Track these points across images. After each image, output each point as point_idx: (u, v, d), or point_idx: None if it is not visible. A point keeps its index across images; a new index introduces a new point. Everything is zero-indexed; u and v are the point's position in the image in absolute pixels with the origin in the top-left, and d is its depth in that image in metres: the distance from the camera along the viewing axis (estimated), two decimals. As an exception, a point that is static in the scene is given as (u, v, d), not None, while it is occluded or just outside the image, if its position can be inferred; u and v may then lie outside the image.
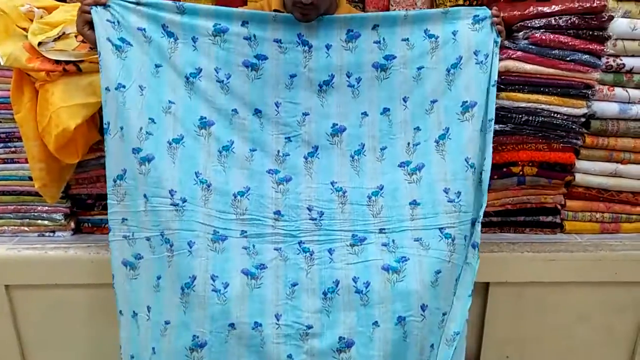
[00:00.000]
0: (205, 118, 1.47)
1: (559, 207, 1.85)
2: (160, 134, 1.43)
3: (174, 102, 1.45)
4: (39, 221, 1.83)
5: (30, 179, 1.69)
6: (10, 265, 1.73)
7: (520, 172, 1.76)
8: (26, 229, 1.84)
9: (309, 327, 1.40)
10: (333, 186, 1.50)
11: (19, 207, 1.82)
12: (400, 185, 1.49)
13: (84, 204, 1.84)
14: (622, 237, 1.83)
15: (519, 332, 1.85)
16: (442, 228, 1.44)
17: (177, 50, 1.45)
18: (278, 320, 1.39)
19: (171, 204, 1.40)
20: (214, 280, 1.38)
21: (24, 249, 1.75)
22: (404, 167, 1.50)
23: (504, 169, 1.77)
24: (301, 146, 1.51)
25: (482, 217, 1.46)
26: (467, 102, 1.48)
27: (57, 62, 1.53)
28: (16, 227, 1.84)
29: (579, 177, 1.81)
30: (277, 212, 1.47)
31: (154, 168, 1.41)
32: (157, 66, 1.44)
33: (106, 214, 1.77)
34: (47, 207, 1.81)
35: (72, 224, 1.85)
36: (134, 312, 1.47)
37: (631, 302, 1.81)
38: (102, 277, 1.71)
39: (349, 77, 1.50)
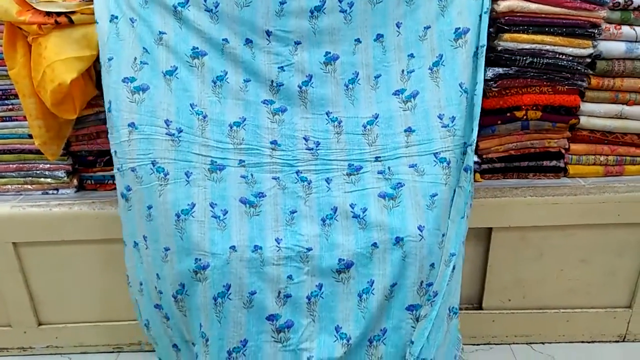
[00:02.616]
0: (197, 48, 1.47)
1: (563, 151, 1.83)
2: (154, 64, 1.44)
3: (165, 32, 1.46)
4: (42, 179, 1.83)
5: (30, 136, 1.68)
6: (16, 223, 1.75)
7: (524, 117, 1.74)
8: (29, 187, 1.84)
9: (309, 249, 1.43)
10: (328, 116, 1.51)
11: (20, 165, 1.81)
12: (395, 113, 1.50)
13: (85, 161, 1.84)
14: (626, 180, 1.82)
15: (520, 276, 1.87)
16: (436, 153, 1.46)
17: None
18: (279, 243, 1.42)
19: (166, 134, 1.42)
20: (213, 208, 1.41)
21: (29, 206, 1.75)
22: (399, 95, 1.51)
23: (508, 114, 1.73)
24: (295, 75, 1.51)
25: (474, 142, 1.47)
26: (459, 28, 1.47)
27: (49, 14, 1.49)
28: (19, 186, 1.84)
29: (584, 120, 1.78)
30: (274, 142, 1.49)
31: (149, 97, 1.42)
32: None
33: (108, 171, 1.81)
34: (49, 165, 1.80)
35: (75, 181, 1.85)
36: (134, 242, 1.51)
37: (634, 243, 1.82)
38: (107, 233, 1.73)
39: (340, 1, 1.49)
